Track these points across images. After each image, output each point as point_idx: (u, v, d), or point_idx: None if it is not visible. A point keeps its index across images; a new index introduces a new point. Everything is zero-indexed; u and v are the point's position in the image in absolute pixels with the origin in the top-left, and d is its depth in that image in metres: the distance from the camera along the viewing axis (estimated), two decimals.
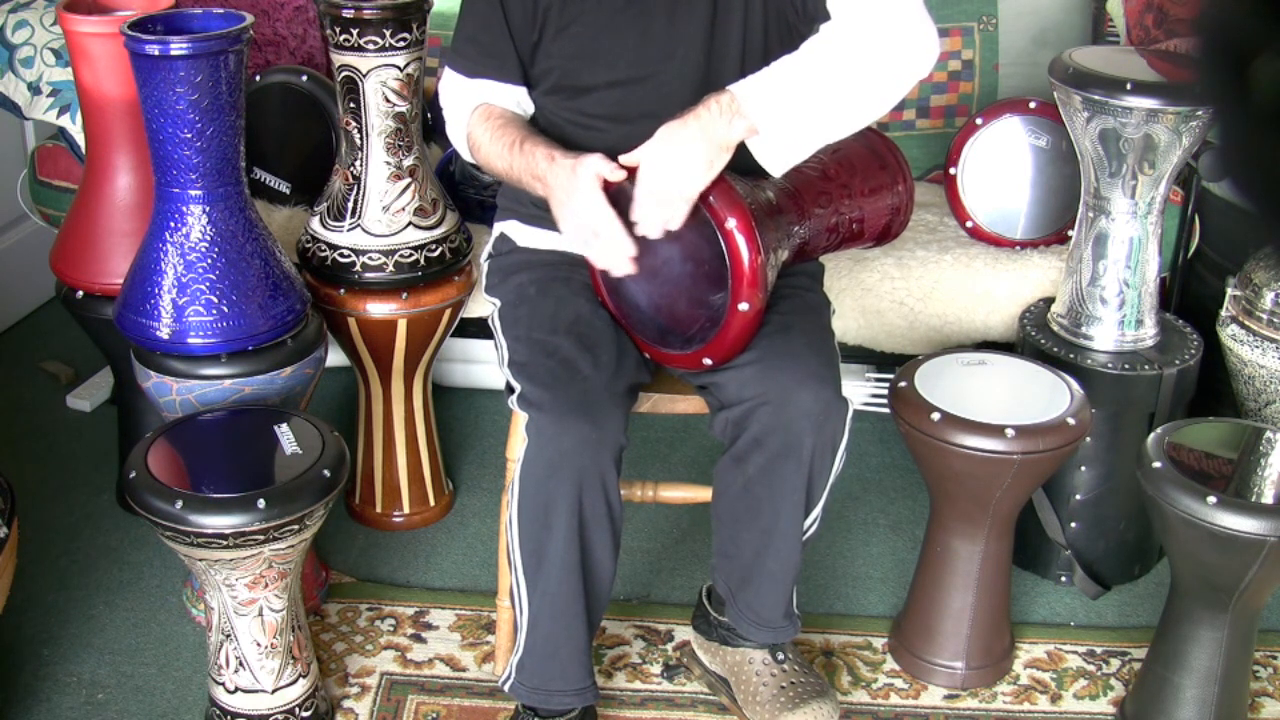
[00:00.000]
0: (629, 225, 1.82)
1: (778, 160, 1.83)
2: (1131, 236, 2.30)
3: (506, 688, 1.96)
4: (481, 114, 1.99)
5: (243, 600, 1.91)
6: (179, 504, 1.81)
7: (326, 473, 1.89)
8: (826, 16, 1.84)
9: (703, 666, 2.16)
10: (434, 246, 2.35)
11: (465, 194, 2.67)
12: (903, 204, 2.07)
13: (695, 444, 2.86)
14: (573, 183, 1.82)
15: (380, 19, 2.20)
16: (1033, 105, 2.58)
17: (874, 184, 2.02)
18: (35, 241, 3.18)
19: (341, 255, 2.33)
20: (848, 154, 2.03)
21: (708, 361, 1.86)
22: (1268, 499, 1.98)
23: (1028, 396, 2.13)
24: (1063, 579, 2.44)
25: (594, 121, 1.95)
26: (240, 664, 1.95)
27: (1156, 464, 1.95)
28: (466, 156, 2.06)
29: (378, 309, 2.36)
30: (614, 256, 1.83)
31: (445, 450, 2.71)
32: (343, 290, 2.36)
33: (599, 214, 1.81)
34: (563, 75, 1.96)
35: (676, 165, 1.76)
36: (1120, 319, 2.33)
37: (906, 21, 1.81)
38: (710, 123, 1.77)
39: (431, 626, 2.30)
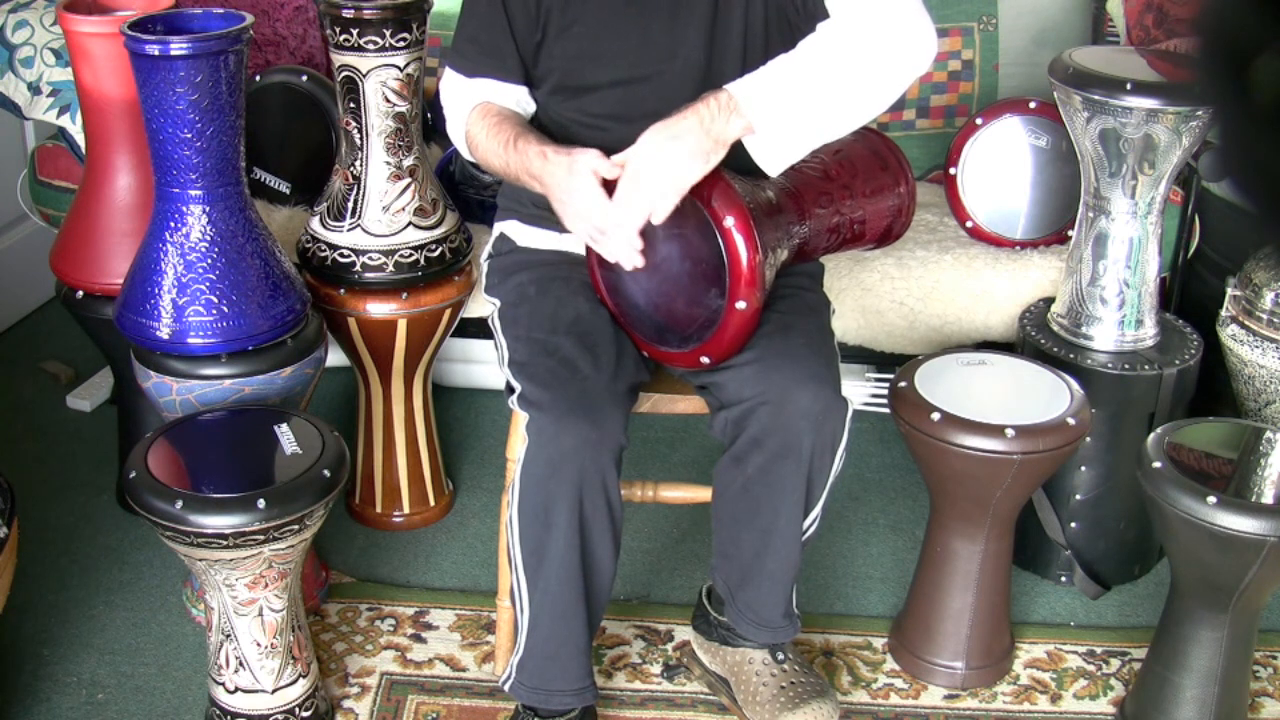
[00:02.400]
0: None
1: (774, 159, 1.83)
2: (1131, 236, 2.30)
3: (506, 688, 1.97)
4: (479, 112, 1.99)
5: (243, 600, 1.91)
6: (179, 504, 1.81)
7: (326, 473, 1.89)
8: (826, 14, 1.85)
9: (703, 666, 2.16)
10: (434, 246, 2.35)
11: (465, 194, 2.67)
12: (904, 206, 2.07)
13: (695, 444, 2.86)
14: (570, 182, 1.81)
15: (380, 19, 2.20)
16: (1033, 105, 2.58)
17: (875, 185, 2.03)
18: (35, 241, 3.18)
19: (341, 255, 2.33)
20: (849, 154, 2.03)
21: (706, 360, 1.86)
22: (1268, 499, 1.98)
23: (1028, 396, 2.13)
24: (1063, 579, 2.44)
25: (597, 121, 1.96)
26: (240, 664, 1.95)
27: (1156, 464, 1.95)
28: (466, 155, 2.07)
29: (378, 309, 2.36)
30: (623, 251, 1.83)
31: (445, 450, 2.71)
32: (343, 290, 2.36)
33: (603, 212, 1.81)
34: (565, 75, 1.97)
35: (670, 154, 1.77)
36: (1120, 319, 2.33)
37: (904, 19, 1.82)
38: (708, 118, 1.77)
39: (431, 626, 2.30)
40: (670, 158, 1.76)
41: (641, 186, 1.78)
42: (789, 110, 1.79)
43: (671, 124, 1.78)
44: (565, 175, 1.82)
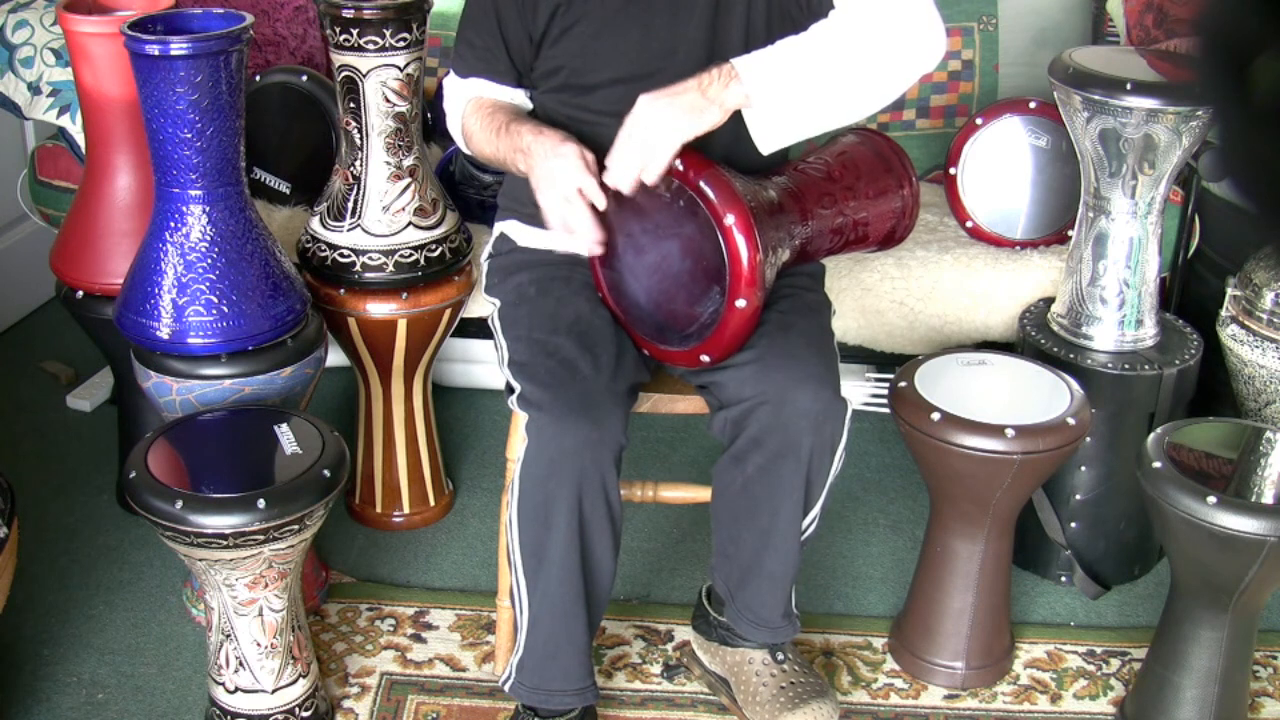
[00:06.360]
0: (626, 220, 1.83)
1: (769, 136, 1.84)
2: (1131, 236, 2.30)
3: (506, 688, 1.97)
4: (474, 104, 2.03)
5: (243, 600, 1.91)
6: (179, 504, 1.81)
7: (326, 473, 1.89)
8: (831, 9, 1.86)
9: (703, 666, 2.16)
10: (434, 246, 2.35)
11: (465, 194, 2.67)
12: (908, 208, 2.07)
13: (695, 444, 2.86)
14: (559, 148, 1.84)
15: (380, 19, 2.20)
16: (1033, 105, 2.58)
17: (879, 187, 2.03)
18: (35, 241, 3.18)
19: (341, 255, 2.33)
20: (853, 156, 2.03)
21: (705, 359, 1.86)
22: (1268, 499, 1.98)
23: (1028, 396, 2.13)
24: (1063, 579, 2.44)
25: (599, 118, 1.96)
26: (240, 664, 1.95)
27: (1156, 464, 1.95)
28: (464, 148, 2.10)
29: (378, 309, 2.36)
30: (583, 229, 1.83)
31: (445, 450, 2.71)
32: (343, 290, 2.36)
33: (577, 178, 1.81)
34: (570, 74, 1.98)
35: (662, 108, 1.78)
36: (1120, 319, 2.33)
37: (914, 16, 1.84)
38: (706, 82, 1.80)
39: (431, 626, 2.30)
40: (662, 112, 1.79)
41: (633, 140, 1.79)
42: (788, 86, 1.81)
43: (669, 88, 1.81)
44: (556, 143, 1.85)
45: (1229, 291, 2.39)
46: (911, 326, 2.58)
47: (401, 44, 2.23)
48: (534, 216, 2.05)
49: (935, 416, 2.03)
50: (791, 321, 1.93)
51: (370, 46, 2.22)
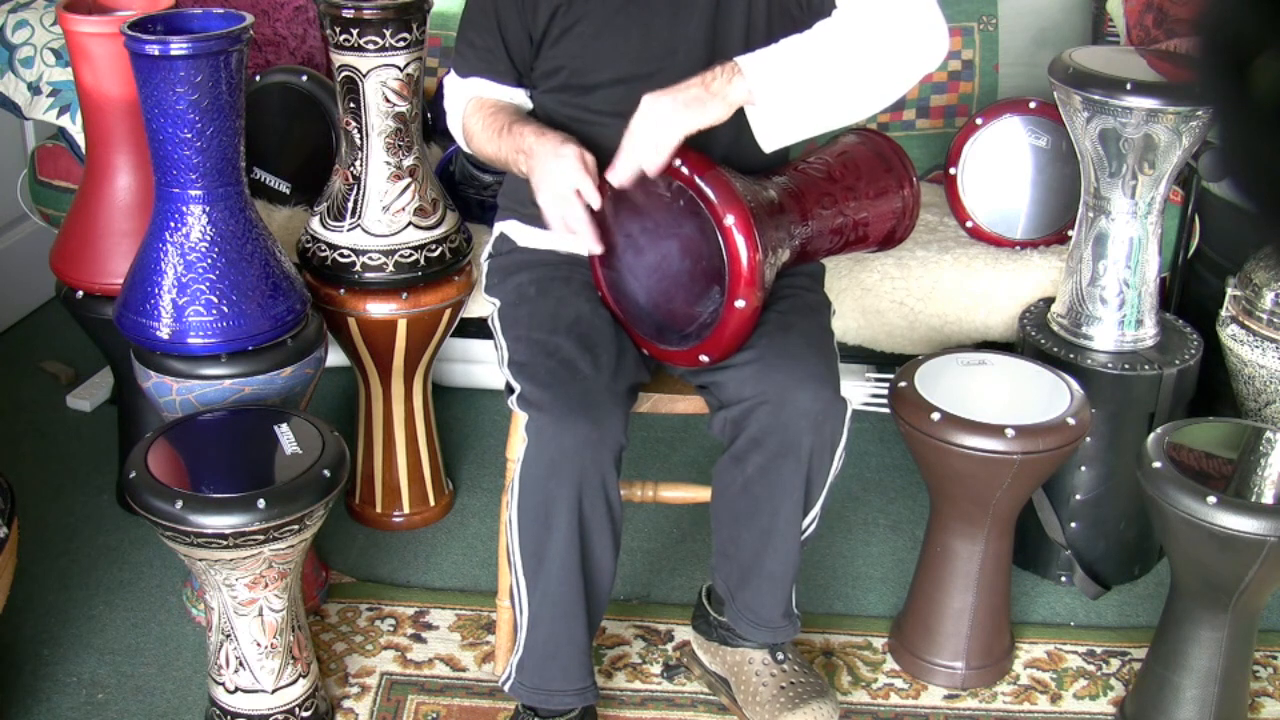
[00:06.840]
0: (629, 228, 1.82)
1: (771, 133, 1.85)
2: (1131, 236, 2.30)
3: (506, 688, 1.97)
4: (475, 104, 2.04)
5: (243, 600, 1.91)
6: (179, 504, 1.81)
7: (326, 473, 1.89)
8: (831, 9, 1.87)
9: (703, 666, 2.16)
10: (434, 246, 2.35)
11: (465, 194, 2.67)
12: (908, 208, 2.07)
13: (695, 444, 2.86)
14: (560, 149, 1.84)
15: (380, 19, 2.20)
16: (1033, 105, 2.58)
17: (879, 187, 2.03)
18: (35, 241, 3.18)
19: (341, 255, 2.33)
20: (853, 156, 2.03)
21: (705, 359, 1.86)
22: (1268, 499, 1.98)
23: (1028, 396, 2.13)
24: (1063, 579, 2.44)
25: (599, 118, 1.97)
26: (240, 664, 1.95)
27: (1156, 464, 1.95)
28: (464, 147, 2.11)
29: (378, 309, 2.36)
30: (581, 228, 1.84)
31: (445, 450, 2.71)
32: (343, 290, 2.36)
33: (578, 177, 1.82)
34: (571, 74, 1.99)
35: (665, 105, 1.79)
36: (1120, 319, 2.33)
37: (918, 16, 1.84)
38: (709, 78, 1.81)
39: (431, 626, 2.30)
40: (665, 106, 1.79)
41: (637, 135, 1.80)
42: (791, 83, 1.81)
43: (674, 86, 1.81)
44: (557, 144, 1.85)
45: (1229, 291, 2.39)
46: (911, 326, 2.58)
47: (401, 44, 2.23)
48: (534, 216, 2.05)
49: (935, 416, 2.03)
50: (791, 321, 1.93)
51: (370, 46, 2.22)
